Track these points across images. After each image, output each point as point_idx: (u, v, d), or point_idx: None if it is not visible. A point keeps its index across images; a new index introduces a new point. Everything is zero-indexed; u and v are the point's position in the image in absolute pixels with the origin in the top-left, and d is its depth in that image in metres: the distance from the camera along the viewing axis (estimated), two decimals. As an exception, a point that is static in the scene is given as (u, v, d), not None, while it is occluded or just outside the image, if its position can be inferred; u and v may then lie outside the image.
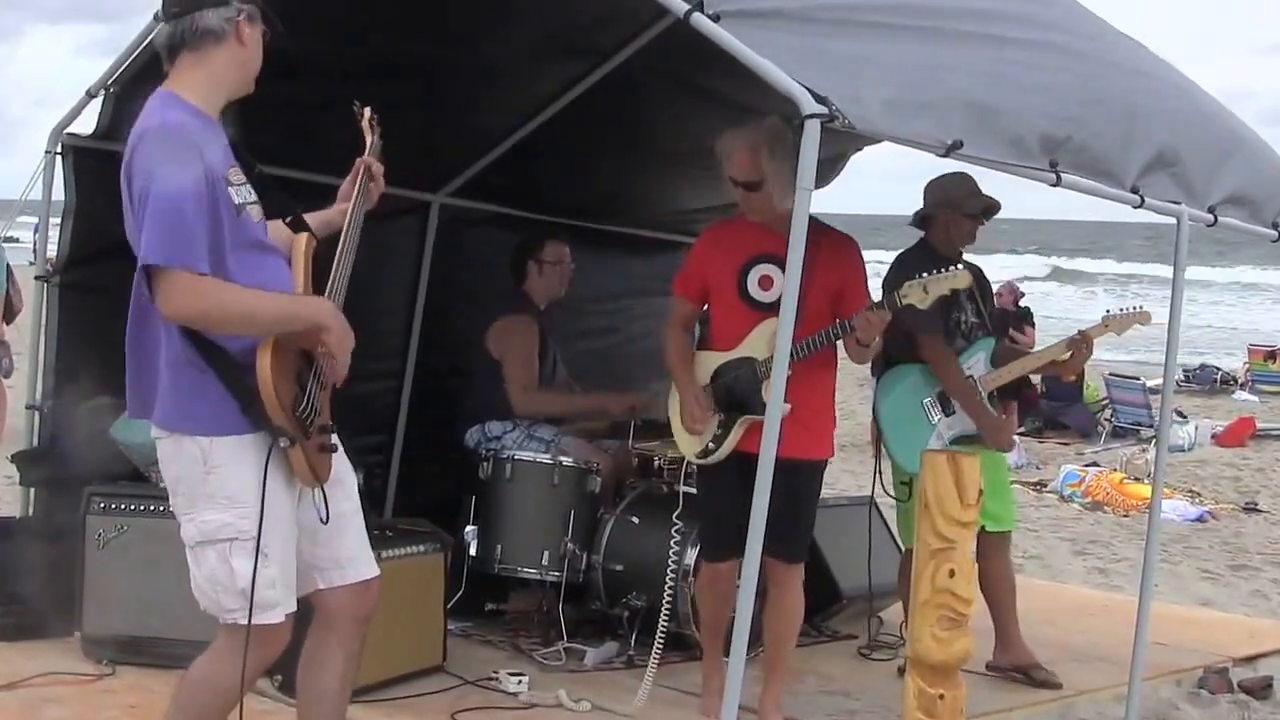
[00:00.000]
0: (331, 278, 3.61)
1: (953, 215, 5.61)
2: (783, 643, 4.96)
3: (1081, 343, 5.66)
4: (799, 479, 4.73)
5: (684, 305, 5.02)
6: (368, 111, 3.87)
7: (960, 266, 4.58)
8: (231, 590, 3.43)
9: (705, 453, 4.83)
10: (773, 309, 4.59)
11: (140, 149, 3.32)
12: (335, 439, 3.60)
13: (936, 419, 5.53)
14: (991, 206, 5.69)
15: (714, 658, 5.05)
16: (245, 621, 3.41)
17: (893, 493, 5.64)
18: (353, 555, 3.68)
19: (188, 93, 3.44)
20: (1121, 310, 5.73)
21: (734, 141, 4.81)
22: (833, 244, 4.82)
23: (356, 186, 3.78)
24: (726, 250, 4.87)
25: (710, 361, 4.89)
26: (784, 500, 4.60)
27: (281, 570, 3.47)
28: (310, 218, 3.76)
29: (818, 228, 4.75)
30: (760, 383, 4.69)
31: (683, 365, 4.93)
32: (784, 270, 4.53)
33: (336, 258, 3.65)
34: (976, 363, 5.65)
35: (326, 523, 3.53)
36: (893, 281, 5.01)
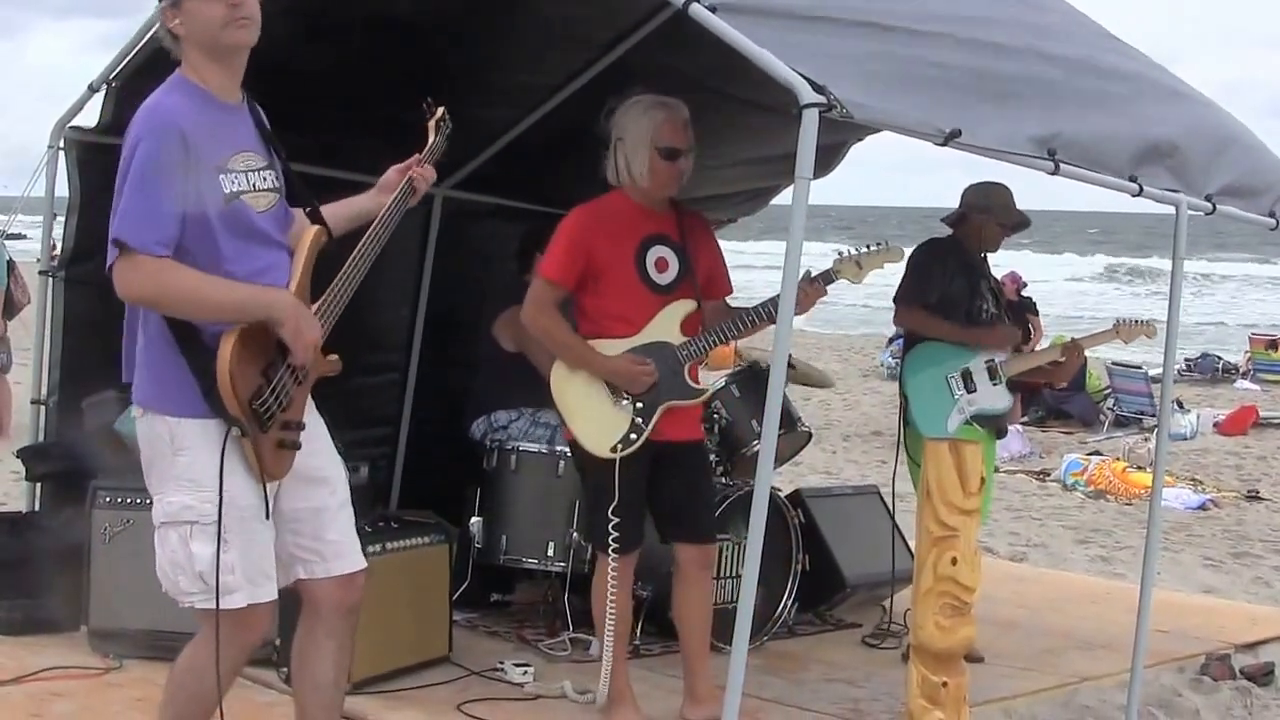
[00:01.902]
0: (344, 269, 3.58)
1: (985, 221, 5.84)
2: (707, 629, 4.80)
3: (1073, 349, 5.90)
4: (689, 459, 4.75)
5: (555, 290, 4.67)
6: (440, 110, 3.78)
7: (892, 244, 4.66)
8: (189, 573, 3.43)
9: (627, 443, 4.60)
10: (672, 291, 4.65)
11: (129, 129, 3.37)
12: (303, 437, 3.53)
13: (959, 394, 5.71)
14: (1022, 222, 5.95)
15: (624, 661, 4.80)
16: (201, 606, 3.43)
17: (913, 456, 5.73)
18: (338, 549, 3.67)
19: (194, 74, 3.44)
20: (1135, 320, 6.04)
21: (660, 107, 4.64)
22: (700, 223, 4.83)
23: (402, 184, 3.74)
24: (614, 231, 4.62)
25: (611, 349, 4.63)
26: (680, 483, 4.62)
27: (241, 557, 3.45)
28: (342, 204, 3.75)
29: (679, 207, 4.79)
30: (682, 367, 4.64)
31: (583, 342, 4.65)
32: (676, 253, 4.63)
33: (358, 248, 3.60)
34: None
35: (268, 519, 3.49)
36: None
